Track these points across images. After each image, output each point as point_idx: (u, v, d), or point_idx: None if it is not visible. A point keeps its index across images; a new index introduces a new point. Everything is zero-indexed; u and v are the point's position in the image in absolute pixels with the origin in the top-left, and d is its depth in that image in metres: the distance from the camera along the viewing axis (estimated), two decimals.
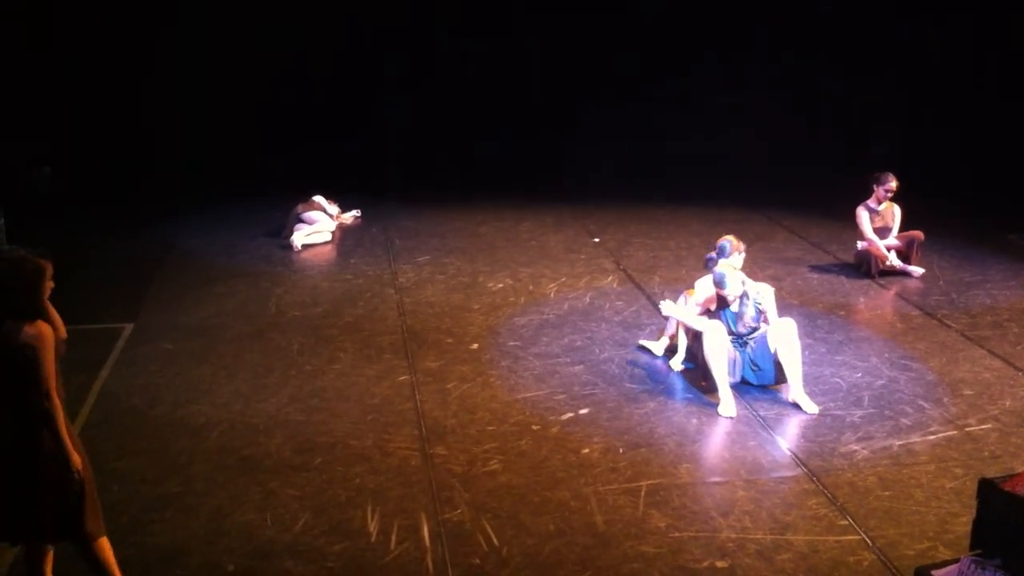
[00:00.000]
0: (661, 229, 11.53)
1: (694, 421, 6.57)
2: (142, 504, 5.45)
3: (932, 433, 6.37)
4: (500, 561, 4.98)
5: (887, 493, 5.63)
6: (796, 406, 6.70)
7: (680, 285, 8.33)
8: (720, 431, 6.47)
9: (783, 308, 7.28)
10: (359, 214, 11.94)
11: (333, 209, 11.38)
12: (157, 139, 13.97)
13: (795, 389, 6.75)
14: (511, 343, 7.91)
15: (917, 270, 9.69)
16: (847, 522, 5.33)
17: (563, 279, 9.58)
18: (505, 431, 6.38)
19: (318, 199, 11.25)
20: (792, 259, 10.28)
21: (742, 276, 6.98)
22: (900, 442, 6.24)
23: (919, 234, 9.78)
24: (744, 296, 6.96)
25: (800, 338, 6.91)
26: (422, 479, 5.77)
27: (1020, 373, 7.37)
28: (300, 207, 11.00)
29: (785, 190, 13.29)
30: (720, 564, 4.95)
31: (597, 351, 7.74)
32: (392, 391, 6.99)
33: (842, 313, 8.73)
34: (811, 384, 6.97)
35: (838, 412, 6.66)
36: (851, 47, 14.72)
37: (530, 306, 8.81)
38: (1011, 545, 4.23)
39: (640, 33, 15.12)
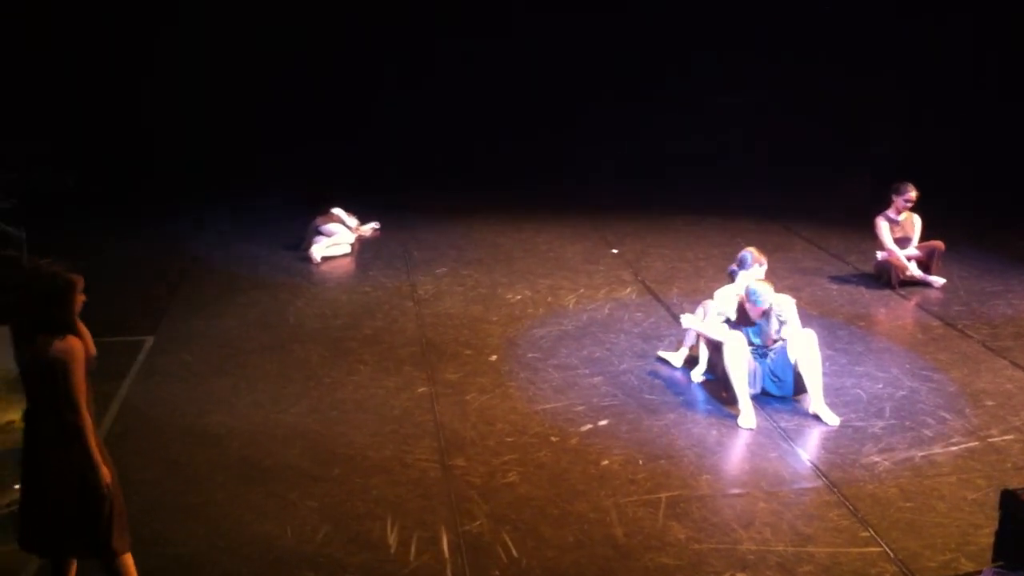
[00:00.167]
0: (679, 240, 11.51)
1: (714, 432, 6.55)
2: (163, 515, 5.47)
3: (954, 444, 6.33)
4: (519, 573, 4.97)
5: (909, 505, 5.59)
6: (817, 417, 6.68)
7: (699, 296, 8.31)
8: (740, 442, 6.45)
9: (802, 319, 7.25)
10: (378, 226, 11.96)
11: (352, 221, 11.41)
12: (172, 146, 14.08)
13: (815, 400, 6.73)
14: (530, 354, 7.92)
15: (938, 280, 9.64)
16: (868, 534, 5.30)
17: (582, 290, 9.58)
18: (524, 443, 6.37)
19: (337, 211, 11.28)
20: (811, 269, 10.25)
21: (771, 294, 6.96)
22: (922, 453, 6.20)
23: (939, 244, 9.73)
24: (768, 311, 6.95)
25: (820, 349, 6.89)
26: (441, 491, 5.78)
27: None
28: (319, 219, 11.03)
29: (800, 198, 13.27)
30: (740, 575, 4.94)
31: (616, 362, 7.74)
32: (411, 403, 7.00)
33: (862, 324, 8.69)
34: (832, 395, 6.94)
35: (859, 423, 6.63)
36: (851, 47, 14.70)
37: (549, 317, 8.82)
38: None
39: (644, 33, 15.16)
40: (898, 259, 9.60)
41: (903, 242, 9.73)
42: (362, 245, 11.33)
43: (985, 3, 13.89)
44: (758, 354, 7.01)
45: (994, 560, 4.46)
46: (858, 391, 7.16)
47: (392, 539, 5.27)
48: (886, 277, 9.64)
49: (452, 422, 6.67)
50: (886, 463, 6.07)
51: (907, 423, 6.63)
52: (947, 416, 6.75)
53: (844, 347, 8.01)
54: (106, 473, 4.20)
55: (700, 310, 7.53)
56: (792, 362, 6.85)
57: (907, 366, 7.66)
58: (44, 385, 4.10)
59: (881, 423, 6.63)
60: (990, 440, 6.39)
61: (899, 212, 9.72)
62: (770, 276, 7.41)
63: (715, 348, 7.10)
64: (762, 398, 7.00)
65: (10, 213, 8.32)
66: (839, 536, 5.29)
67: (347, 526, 5.39)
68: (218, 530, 5.35)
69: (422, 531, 5.34)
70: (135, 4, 13.96)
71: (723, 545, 5.21)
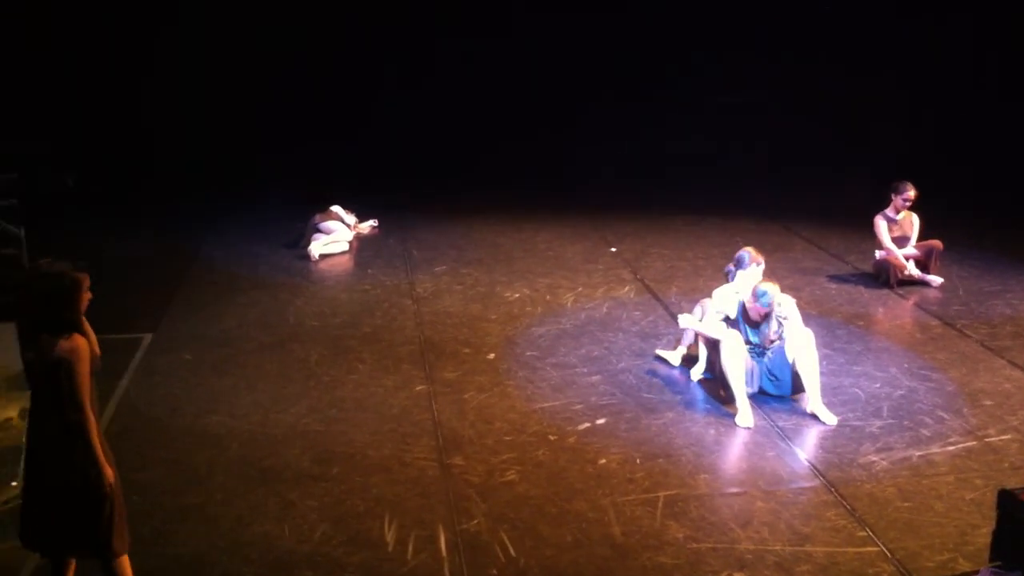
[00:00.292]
0: (679, 239, 11.52)
1: (712, 432, 6.56)
2: (163, 515, 5.48)
3: (952, 444, 6.34)
4: (517, 572, 4.98)
5: (906, 504, 5.60)
6: (814, 417, 6.68)
7: (698, 295, 8.32)
8: (738, 442, 6.46)
9: (801, 318, 7.26)
10: (376, 224, 11.98)
11: (351, 219, 11.44)
12: (172, 146, 14.08)
13: (813, 400, 6.74)
14: (528, 353, 7.93)
15: (936, 280, 9.65)
16: (866, 533, 5.31)
17: (580, 289, 9.59)
18: (522, 441, 6.38)
19: (336, 209, 11.30)
20: (810, 269, 10.26)
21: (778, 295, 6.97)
22: (919, 453, 6.21)
23: (938, 243, 9.74)
24: (770, 313, 6.96)
25: (818, 348, 6.90)
26: (439, 489, 5.79)
27: None
28: (318, 217, 11.05)
29: (800, 198, 13.29)
30: (738, 575, 4.94)
31: (614, 361, 7.75)
32: (410, 401, 7.01)
33: (861, 323, 8.70)
34: (829, 394, 6.95)
35: (857, 423, 6.64)
36: (851, 47, 14.71)
37: (547, 316, 8.83)
38: None
39: (644, 34, 15.18)
40: (897, 258, 9.60)
41: (902, 241, 9.74)
42: (361, 243, 11.34)
43: (985, 3, 13.89)
44: (756, 353, 7.02)
45: (991, 560, 4.47)
46: (856, 390, 7.17)
47: (390, 538, 5.28)
48: (885, 276, 9.64)
49: (450, 421, 6.68)
50: (884, 463, 6.08)
51: (905, 423, 6.64)
52: (945, 416, 6.76)
53: (842, 346, 8.02)
54: (110, 473, 4.20)
55: (698, 309, 7.54)
56: (790, 361, 6.86)
57: (905, 365, 7.67)
58: (49, 384, 4.10)
59: (879, 422, 6.64)
60: (988, 440, 6.40)
61: (898, 211, 9.73)
62: (769, 276, 7.42)
63: (713, 347, 7.11)
64: (760, 397, 7.01)
65: (10, 212, 8.33)
66: (837, 536, 5.30)
67: (346, 525, 5.40)
68: (217, 529, 5.36)
69: (420, 530, 5.35)
70: (135, 4, 13.96)
71: (721, 544, 5.22)
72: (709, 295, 7.51)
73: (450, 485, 5.83)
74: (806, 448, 6.34)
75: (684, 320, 7.45)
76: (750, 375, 6.94)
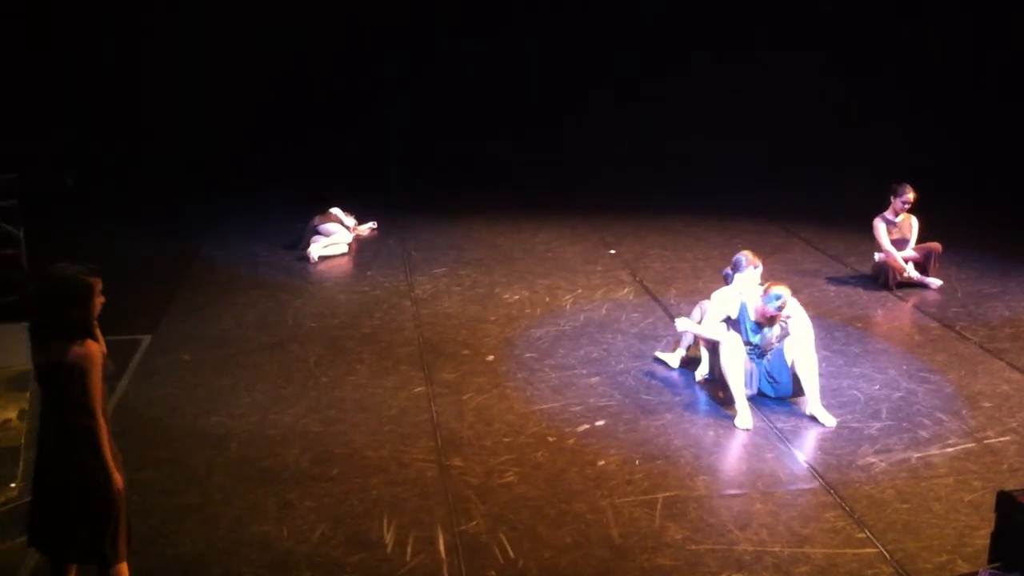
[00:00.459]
0: (678, 241, 11.52)
1: (711, 433, 6.56)
2: (162, 515, 5.48)
3: (950, 446, 6.34)
4: (516, 573, 4.98)
5: (905, 506, 5.61)
6: (813, 418, 6.69)
7: (697, 297, 8.32)
8: (737, 443, 6.46)
9: None
10: (376, 226, 11.98)
11: (350, 221, 11.44)
12: (172, 145, 14.08)
13: (812, 401, 6.74)
14: (527, 355, 7.93)
15: (935, 282, 9.66)
16: (865, 535, 5.31)
17: (579, 291, 9.59)
18: (521, 443, 6.38)
19: (335, 211, 11.30)
20: (809, 271, 10.26)
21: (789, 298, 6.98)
22: (918, 455, 6.21)
23: (937, 246, 9.74)
24: (775, 316, 6.97)
25: (817, 350, 6.91)
26: (438, 490, 5.79)
27: None
28: (317, 219, 11.05)
29: (799, 199, 13.30)
30: None
31: (613, 363, 7.75)
32: (409, 402, 7.01)
33: (860, 325, 8.70)
34: (828, 396, 6.95)
35: (856, 424, 6.64)
36: (851, 47, 14.71)
37: (546, 318, 8.83)
38: None
39: (644, 33, 15.18)
40: (895, 260, 9.61)
41: (900, 243, 9.74)
42: (361, 245, 11.34)
43: (985, 3, 13.89)
44: (755, 354, 7.02)
45: (990, 562, 4.47)
46: (855, 392, 7.18)
47: (389, 539, 5.28)
48: (884, 278, 9.65)
49: (449, 422, 6.68)
50: (883, 464, 6.08)
51: (904, 424, 6.64)
52: (944, 417, 6.76)
53: (841, 348, 8.02)
54: (119, 479, 4.19)
55: (696, 311, 7.54)
56: (789, 363, 6.87)
57: (904, 367, 7.68)
58: (60, 389, 4.08)
59: (878, 424, 6.64)
60: (987, 441, 6.40)
61: (897, 213, 9.74)
62: (768, 278, 7.42)
63: (713, 349, 7.11)
64: (759, 399, 7.01)
65: (9, 213, 8.32)
66: (835, 537, 5.30)
67: (344, 526, 5.40)
68: (216, 529, 5.36)
69: (419, 531, 5.35)
70: (135, 4, 13.96)
71: (719, 546, 5.22)
72: (708, 297, 7.51)
73: (449, 486, 5.83)
74: (805, 450, 6.34)
75: (682, 323, 7.45)
76: (749, 377, 6.94)
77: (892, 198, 9.72)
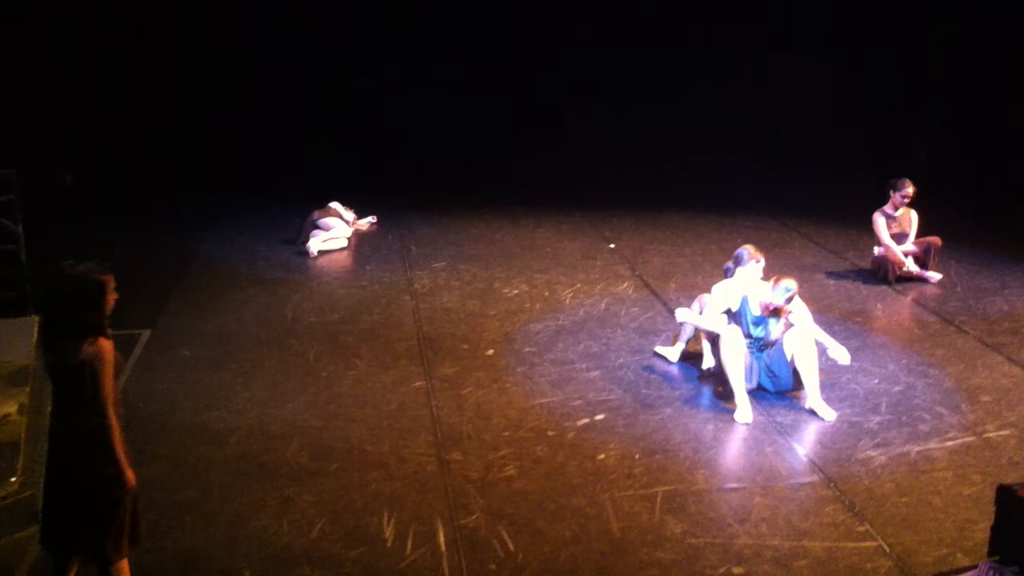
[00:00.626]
0: (677, 235, 11.52)
1: (710, 427, 6.56)
2: (161, 510, 5.47)
3: (950, 440, 6.34)
4: (516, 567, 4.98)
5: (905, 500, 5.61)
6: (813, 412, 6.69)
7: (696, 292, 8.32)
8: (737, 437, 6.46)
9: None
10: (375, 220, 11.98)
11: (349, 215, 11.43)
12: (171, 143, 14.05)
13: (812, 396, 6.74)
14: (527, 349, 7.93)
15: (935, 276, 9.66)
16: (864, 529, 5.31)
17: (579, 285, 9.59)
18: (521, 437, 6.38)
19: (334, 205, 11.29)
20: (809, 265, 10.26)
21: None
22: (918, 448, 6.22)
23: (936, 240, 9.74)
24: (780, 309, 6.98)
25: (817, 345, 6.91)
26: (438, 485, 5.78)
27: None
28: (316, 213, 11.05)
29: (799, 196, 13.30)
30: (737, 571, 4.94)
31: (613, 357, 7.75)
32: (408, 397, 7.01)
33: (859, 319, 8.70)
34: (828, 391, 6.95)
35: (855, 418, 6.65)
36: (851, 46, 14.69)
37: (546, 312, 8.82)
38: None
39: (644, 30, 15.15)
40: (895, 255, 9.61)
41: (900, 238, 9.74)
42: (360, 240, 11.33)
43: (985, 3, 13.87)
44: (755, 348, 7.02)
45: (990, 555, 4.48)
46: (854, 386, 7.18)
47: (389, 533, 5.28)
48: (883, 273, 9.65)
49: (449, 417, 6.68)
50: (882, 458, 6.08)
51: (903, 418, 6.64)
52: (943, 411, 6.76)
53: (840, 342, 7.94)
54: (131, 476, 4.18)
55: (696, 305, 7.54)
56: (789, 358, 6.86)
57: (903, 362, 7.68)
58: (72, 387, 4.07)
59: (877, 418, 6.64)
60: (986, 435, 6.41)
61: (896, 208, 9.73)
62: (768, 273, 7.42)
63: (714, 341, 7.11)
64: (758, 393, 7.01)
65: (7, 208, 8.31)
66: (835, 531, 5.30)
67: (344, 520, 5.40)
68: (215, 525, 5.36)
69: (419, 525, 5.35)
70: (135, 3, 13.93)
71: (719, 540, 5.22)
72: (707, 291, 7.51)
73: (448, 481, 5.83)
74: (804, 444, 6.34)
75: (681, 314, 7.45)
76: (749, 371, 6.94)
77: (892, 192, 9.72)
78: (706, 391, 7.13)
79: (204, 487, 5.76)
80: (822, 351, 7.06)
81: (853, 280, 9.79)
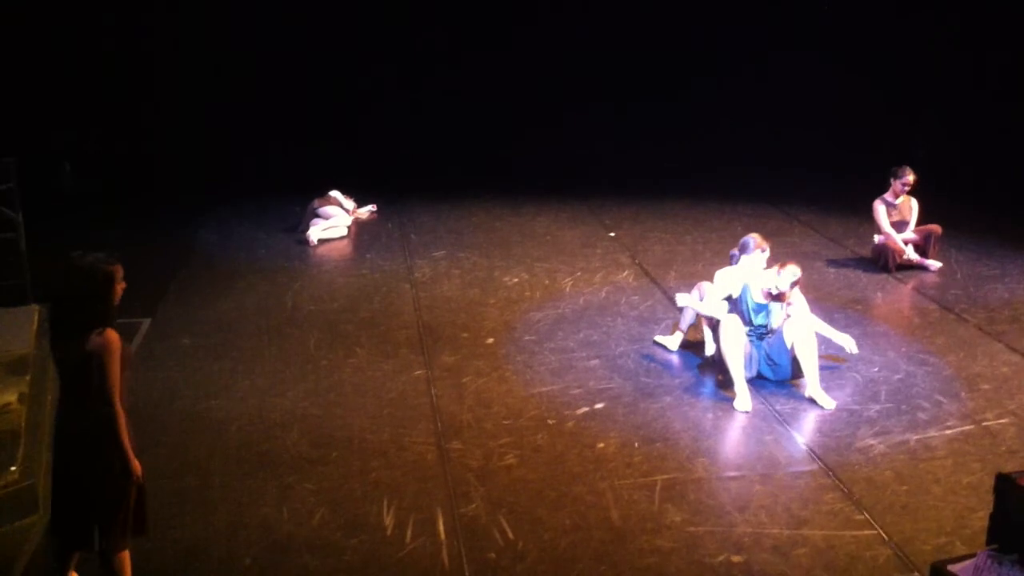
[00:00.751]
0: (677, 224, 11.51)
1: (710, 416, 6.57)
2: (161, 499, 5.47)
3: (949, 428, 6.35)
4: (516, 556, 4.99)
5: (904, 488, 5.62)
6: (812, 401, 6.69)
7: (696, 280, 8.31)
8: (736, 426, 6.47)
9: None
10: (375, 209, 11.98)
11: (349, 204, 11.43)
12: (171, 138, 14.00)
13: (811, 384, 6.74)
14: (527, 338, 7.93)
15: (934, 264, 9.65)
16: (864, 517, 5.32)
17: (579, 274, 9.58)
18: (521, 426, 6.39)
19: (334, 194, 11.30)
20: (809, 253, 10.25)
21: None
22: (917, 437, 6.22)
23: (936, 228, 9.74)
24: (783, 295, 6.99)
25: (816, 333, 6.91)
26: (438, 474, 5.79)
27: None
28: (316, 202, 11.05)
29: (799, 183, 13.28)
30: (736, 559, 4.96)
31: (613, 346, 7.75)
32: (408, 386, 7.01)
33: (859, 307, 8.70)
34: (827, 379, 6.95)
35: (855, 407, 6.65)
36: (851, 46, 14.64)
37: (546, 301, 8.82)
38: None
39: (644, 27, 15.08)
40: (895, 243, 9.60)
41: (900, 226, 9.74)
42: (360, 228, 11.33)
43: (985, 3, 13.82)
44: (756, 335, 7.02)
45: (988, 543, 4.47)
46: (854, 375, 7.18)
47: (389, 521, 5.29)
48: (883, 261, 9.64)
49: (449, 405, 6.69)
50: (881, 447, 6.09)
51: (903, 407, 6.65)
52: (943, 400, 6.76)
53: (840, 330, 7.98)
54: (138, 467, 4.19)
55: (695, 292, 7.53)
56: (788, 346, 6.87)
57: (903, 350, 7.68)
58: (79, 377, 4.07)
59: (877, 407, 6.65)
60: (985, 424, 6.41)
61: (897, 196, 9.73)
62: (769, 262, 7.42)
63: (715, 328, 7.11)
64: (758, 381, 7.01)
65: (7, 196, 8.29)
66: (834, 519, 5.31)
67: (344, 509, 5.41)
68: (216, 513, 5.37)
69: (419, 513, 5.36)
70: (135, 3, 13.88)
71: (718, 528, 5.23)
72: (707, 279, 7.51)
73: (448, 469, 5.84)
74: (804, 432, 6.35)
75: (681, 298, 7.45)
76: (748, 360, 6.94)
77: (892, 180, 9.71)
78: (706, 380, 7.13)
79: (204, 476, 5.77)
80: (824, 340, 7.07)
81: (853, 268, 9.79)
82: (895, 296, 9.12)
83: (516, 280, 9.41)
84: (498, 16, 14.92)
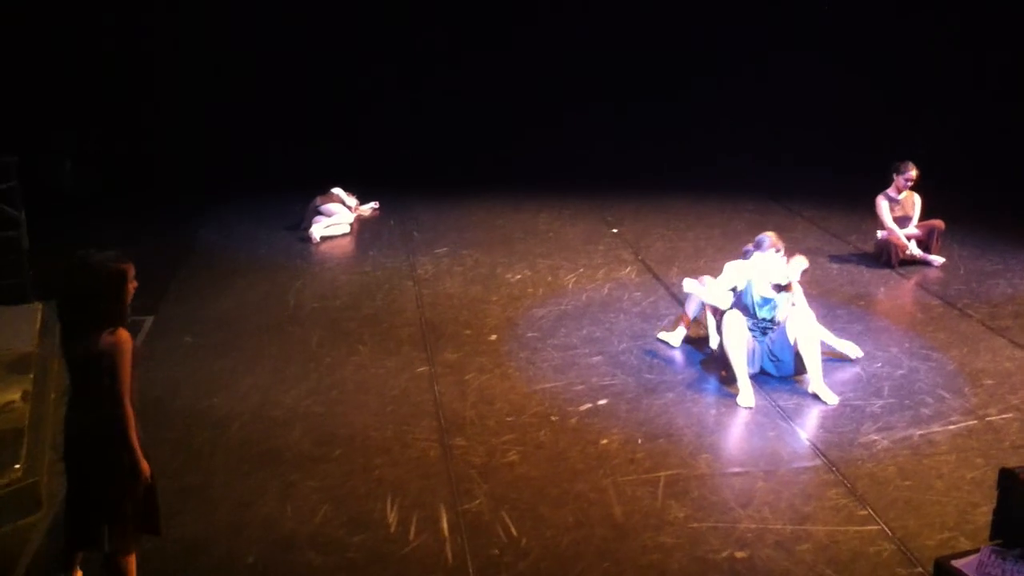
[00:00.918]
0: (680, 220, 11.51)
1: (713, 412, 6.56)
2: (164, 497, 5.40)
3: (952, 423, 6.34)
4: (519, 552, 4.99)
5: (907, 483, 5.61)
6: (815, 396, 6.69)
7: (699, 275, 8.29)
8: (739, 422, 6.46)
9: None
10: (377, 206, 11.98)
11: (352, 201, 11.43)
12: (172, 136, 13.99)
13: (814, 380, 6.74)
14: (529, 334, 7.92)
15: (937, 259, 9.64)
16: (867, 512, 5.32)
17: (581, 270, 9.58)
18: (524, 422, 6.39)
19: (337, 191, 11.29)
20: (812, 249, 10.22)
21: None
22: (920, 432, 6.21)
23: (939, 223, 9.73)
24: (788, 286, 6.99)
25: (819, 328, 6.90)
26: (441, 471, 5.79)
27: None
28: (319, 199, 11.05)
29: (801, 178, 13.26)
30: (739, 555, 4.95)
31: (616, 342, 7.74)
32: (411, 383, 7.01)
33: (862, 303, 8.69)
34: (830, 374, 6.94)
35: (858, 402, 6.64)
36: (851, 45, 14.62)
37: (548, 297, 8.82)
38: None
39: (645, 26, 15.05)
40: (898, 238, 9.59)
41: (903, 221, 9.72)
42: (362, 225, 11.33)
43: (985, 3, 13.79)
44: (759, 330, 7.02)
45: (992, 538, 4.47)
46: (857, 370, 7.17)
47: (392, 519, 5.29)
48: (886, 256, 9.63)
49: (452, 402, 6.68)
50: (884, 442, 6.08)
51: (906, 402, 6.64)
52: (946, 395, 6.76)
53: (843, 326, 8.01)
54: (146, 467, 4.18)
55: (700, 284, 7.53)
56: (791, 342, 6.86)
57: (906, 345, 7.67)
58: (90, 377, 4.06)
59: (880, 402, 6.64)
60: (988, 419, 6.40)
61: (899, 191, 9.71)
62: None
63: (720, 318, 7.10)
64: (761, 377, 7.01)
65: (9, 194, 8.30)
66: (837, 515, 5.31)
67: (347, 506, 5.41)
68: (218, 511, 5.37)
69: (422, 510, 5.35)
70: (135, 3, 13.87)
71: (722, 524, 5.22)
72: (709, 273, 7.51)
73: (451, 466, 5.84)
74: (807, 428, 6.34)
75: (688, 284, 7.45)
76: (751, 355, 6.93)
77: (895, 175, 9.70)
78: (709, 376, 7.13)
79: (207, 473, 5.77)
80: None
81: (856, 264, 9.78)
82: (898, 292, 9.11)
83: (519, 277, 9.41)
84: (498, 16, 14.87)
